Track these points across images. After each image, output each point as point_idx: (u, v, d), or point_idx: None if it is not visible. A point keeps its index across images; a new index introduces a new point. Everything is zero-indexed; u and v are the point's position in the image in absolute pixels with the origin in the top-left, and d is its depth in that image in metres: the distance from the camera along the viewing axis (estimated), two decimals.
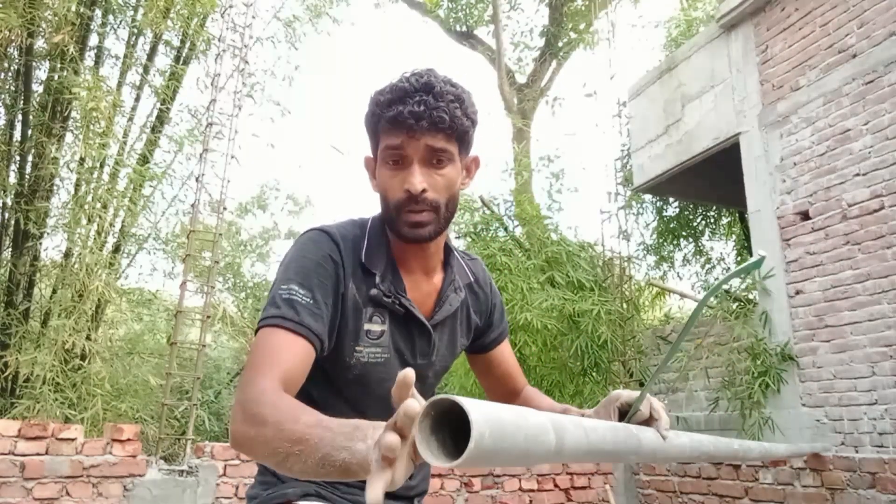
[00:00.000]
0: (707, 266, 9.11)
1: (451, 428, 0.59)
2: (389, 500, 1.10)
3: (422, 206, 1.06)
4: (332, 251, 1.08)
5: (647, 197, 8.44)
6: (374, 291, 1.10)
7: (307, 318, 1.00)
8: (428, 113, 1.01)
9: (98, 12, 6.16)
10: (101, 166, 5.83)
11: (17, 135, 5.86)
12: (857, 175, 4.58)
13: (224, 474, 3.80)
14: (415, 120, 1.01)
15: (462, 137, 1.07)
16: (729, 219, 8.78)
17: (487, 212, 7.37)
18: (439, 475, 4.26)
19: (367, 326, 1.10)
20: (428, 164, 1.06)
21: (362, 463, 0.70)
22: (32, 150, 5.69)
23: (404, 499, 1.17)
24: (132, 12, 6.38)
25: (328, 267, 1.06)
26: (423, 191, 1.04)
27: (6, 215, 5.76)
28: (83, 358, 5.00)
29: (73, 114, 5.86)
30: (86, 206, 5.57)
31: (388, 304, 1.12)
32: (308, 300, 1.01)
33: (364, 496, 1.04)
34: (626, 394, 1.07)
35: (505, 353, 1.38)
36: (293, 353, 0.97)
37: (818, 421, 4.65)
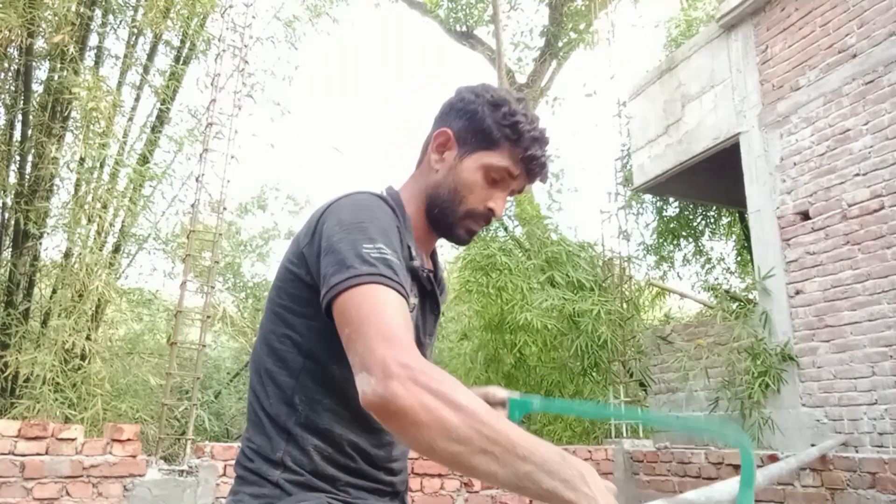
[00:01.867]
0: (707, 266, 9.11)
1: None
2: (383, 499, 1.06)
3: (485, 224, 1.14)
4: (394, 217, 1.03)
5: (647, 197, 8.44)
6: (416, 262, 1.06)
7: (404, 281, 0.92)
8: (546, 170, 1.15)
9: (98, 12, 6.16)
10: (101, 166, 5.83)
11: (17, 135, 5.86)
12: (857, 175, 4.58)
13: (224, 474, 3.80)
14: (539, 170, 1.13)
15: None
16: (729, 219, 8.78)
17: None
18: (439, 475, 4.26)
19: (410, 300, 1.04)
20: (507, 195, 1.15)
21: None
22: (32, 150, 5.69)
23: (396, 494, 1.11)
24: (132, 12, 6.38)
25: (397, 232, 1.00)
26: (499, 217, 1.14)
27: (6, 215, 5.76)
28: (83, 358, 5.00)
29: (73, 114, 5.87)
30: (86, 206, 5.57)
31: (423, 279, 1.09)
32: (399, 261, 0.94)
33: None
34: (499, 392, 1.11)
35: None
36: (409, 319, 0.88)
37: (818, 421, 4.65)
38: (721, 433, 1.17)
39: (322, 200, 1.11)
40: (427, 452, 0.76)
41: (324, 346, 1.00)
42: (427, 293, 1.12)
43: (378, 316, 0.84)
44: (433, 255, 1.21)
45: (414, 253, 1.06)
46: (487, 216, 1.12)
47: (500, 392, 1.10)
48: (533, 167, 1.11)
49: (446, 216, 1.11)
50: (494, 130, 1.09)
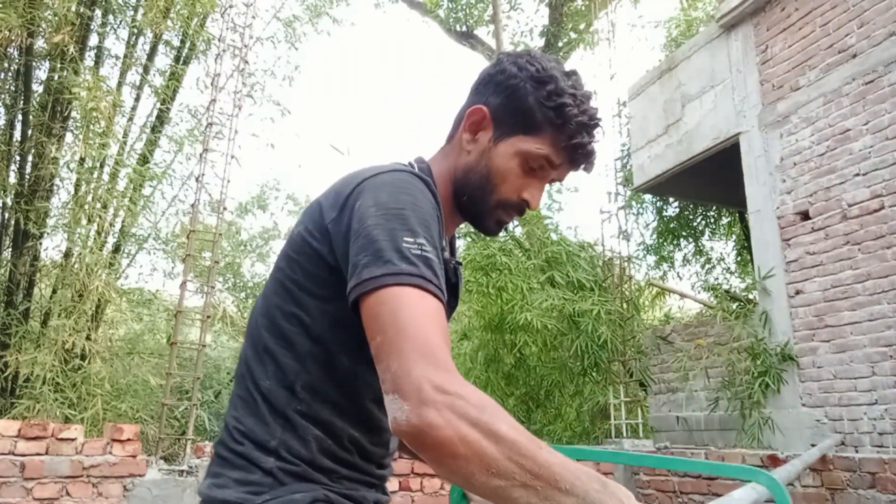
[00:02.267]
0: (707, 266, 9.12)
1: None
2: (371, 490, 1.02)
3: (518, 215, 1.03)
4: (435, 205, 0.91)
5: (647, 197, 8.45)
6: (445, 254, 0.94)
7: (442, 283, 0.83)
8: (593, 158, 1.01)
9: (98, 12, 6.16)
10: (101, 166, 5.84)
11: (17, 135, 5.86)
12: (857, 175, 4.58)
13: None
14: (585, 159, 0.99)
15: None
16: (729, 219, 8.78)
17: None
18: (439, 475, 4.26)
19: None
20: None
21: None
22: (32, 150, 5.69)
23: (381, 486, 1.06)
24: (132, 12, 6.38)
25: (437, 223, 0.89)
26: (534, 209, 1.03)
27: (6, 215, 5.76)
28: (83, 358, 5.00)
29: (73, 114, 5.87)
30: (86, 206, 5.57)
31: (450, 271, 1.00)
32: (438, 261, 0.84)
33: (369, 496, 0.99)
34: None
35: None
36: (447, 330, 0.80)
37: (818, 421, 4.65)
38: (751, 475, 1.15)
39: None
40: (463, 484, 0.72)
41: (336, 334, 0.92)
42: (451, 286, 1.01)
43: (416, 328, 0.76)
44: (452, 240, 1.11)
45: (445, 243, 0.96)
46: (521, 207, 1.01)
47: None
48: (577, 156, 0.98)
49: (476, 205, 1.01)
50: (537, 112, 0.96)
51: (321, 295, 0.92)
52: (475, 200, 1.00)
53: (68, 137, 5.96)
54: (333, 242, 0.89)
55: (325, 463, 0.93)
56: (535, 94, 0.96)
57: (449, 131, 1.06)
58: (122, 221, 6.14)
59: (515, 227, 7.64)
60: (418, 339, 0.75)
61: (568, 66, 1.03)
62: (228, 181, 4.94)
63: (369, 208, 0.85)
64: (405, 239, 0.82)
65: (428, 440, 0.70)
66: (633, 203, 8.59)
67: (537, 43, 13.18)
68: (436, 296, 0.80)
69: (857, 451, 4.27)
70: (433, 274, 0.81)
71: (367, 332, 0.80)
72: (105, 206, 5.73)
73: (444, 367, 0.73)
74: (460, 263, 1.07)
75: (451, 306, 1.04)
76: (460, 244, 7.49)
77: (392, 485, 4.04)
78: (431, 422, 0.69)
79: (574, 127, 0.96)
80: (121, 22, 6.44)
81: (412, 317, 0.76)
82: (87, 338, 5.12)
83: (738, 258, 8.94)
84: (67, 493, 3.36)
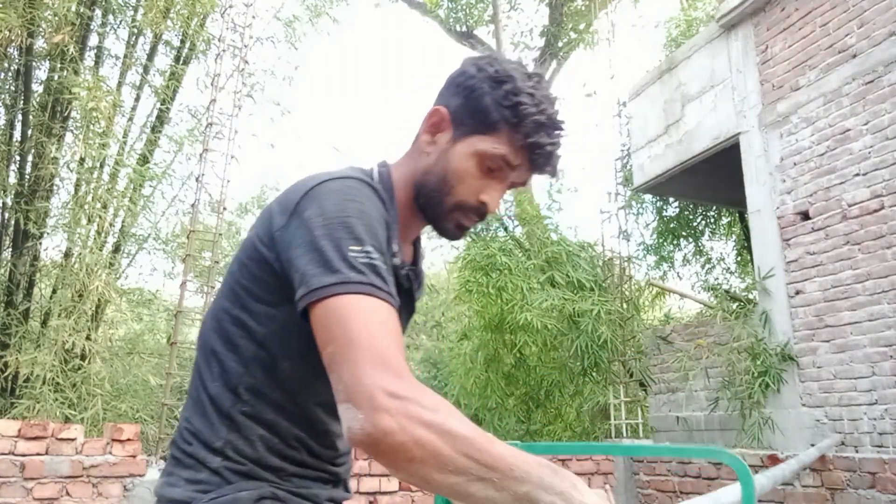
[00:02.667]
0: (707, 266, 9.11)
1: None
2: (326, 486, 1.02)
3: (478, 218, 1.02)
4: (383, 210, 0.91)
5: (647, 197, 8.44)
6: (396, 260, 0.97)
7: (392, 288, 0.84)
8: (554, 161, 0.99)
9: (98, 12, 6.17)
10: (101, 166, 5.84)
11: (17, 135, 5.86)
12: (857, 175, 4.58)
13: None
14: (544, 160, 0.98)
15: None
16: (729, 219, 8.78)
17: None
18: None
19: None
20: (506, 187, 1.02)
21: None
22: (32, 150, 5.70)
23: (339, 482, 1.06)
24: (132, 12, 6.38)
25: (384, 229, 0.90)
26: (493, 212, 1.01)
27: (6, 215, 5.77)
28: (83, 358, 5.00)
29: (73, 114, 5.87)
30: (86, 206, 5.57)
31: (402, 277, 1.00)
32: (385, 267, 0.84)
33: (321, 494, 1.00)
34: None
35: None
36: (399, 334, 0.81)
37: (818, 421, 4.65)
38: (717, 455, 1.19)
39: None
40: (421, 485, 0.74)
41: (281, 340, 0.93)
42: (403, 291, 1.01)
43: (367, 336, 0.76)
44: (416, 242, 1.11)
45: (396, 248, 0.96)
46: (480, 210, 0.99)
47: None
48: (536, 157, 0.96)
49: (433, 207, 1.00)
50: (493, 111, 0.95)
51: (267, 300, 0.93)
52: (432, 202, 0.99)
53: (68, 137, 5.97)
54: (280, 250, 0.89)
55: (273, 461, 0.94)
56: (492, 94, 0.95)
57: (415, 135, 1.05)
58: (122, 221, 6.14)
59: (515, 227, 7.64)
60: (369, 347, 0.75)
61: (531, 69, 1.01)
62: (228, 181, 4.94)
63: (316, 217, 0.85)
64: (351, 248, 0.82)
65: (383, 447, 0.71)
66: (633, 203, 8.59)
67: (537, 43, 13.19)
68: (386, 301, 0.81)
69: (857, 451, 4.27)
70: (382, 280, 0.82)
71: (318, 341, 0.80)
72: (105, 206, 5.73)
73: (397, 373, 0.74)
74: (414, 268, 1.06)
75: (407, 312, 1.05)
76: (461, 244, 7.49)
77: (392, 484, 4.04)
78: (385, 428, 0.70)
79: (531, 126, 0.95)
80: (121, 22, 6.44)
81: (362, 325, 0.77)
82: (87, 338, 5.12)
83: (738, 258, 8.94)
84: (67, 493, 3.36)
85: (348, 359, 0.75)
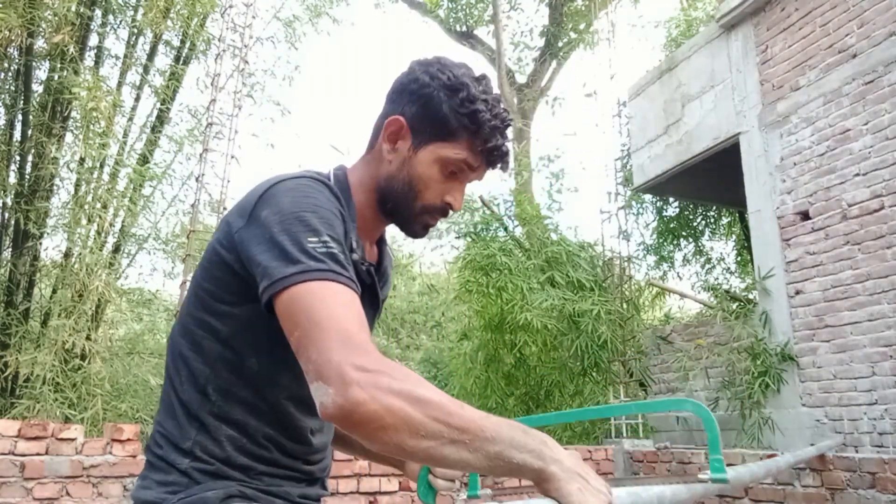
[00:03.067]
0: (707, 266, 9.11)
1: None
2: (300, 485, 1.04)
3: (442, 218, 1.07)
4: (337, 204, 0.96)
5: (647, 197, 8.44)
6: (356, 255, 1.00)
7: (352, 274, 0.87)
8: (507, 158, 1.06)
9: (98, 12, 6.17)
10: (101, 166, 5.84)
11: (17, 135, 5.86)
12: (857, 175, 4.58)
13: None
14: (500, 159, 1.04)
15: None
16: (729, 219, 8.78)
17: (487, 212, 7.37)
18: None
19: None
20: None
21: (544, 472, 0.77)
22: (32, 150, 5.69)
23: (314, 480, 1.07)
24: (132, 12, 6.38)
25: (341, 222, 0.94)
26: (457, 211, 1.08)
27: (6, 215, 5.76)
28: (83, 358, 5.00)
29: (73, 114, 5.87)
30: (86, 206, 5.57)
31: (362, 272, 1.04)
32: (344, 257, 0.88)
33: (292, 492, 1.02)
34: None
35: None
36: (363, 315, 0.84)
37: (818, 421, 4.65)
38: (680, 405, 1.25)
39: None
40: (397, 453, 0.75)
41: (244, 338, 0.96)
42: (366, 287, 1.05)
43: (330, 318, 0.79)
44: (381, 243, 1.15)
45: (355, 244, 1.00)
46: (445, 210, 1.05)
47: None
48: (493, 157, 1.03)
49: (402, 211, 1.05)
50: (452, 119, 1.00)
51: (229, 300, 0.96)
52: (400, 207, 1.04)
53: (68, 137, 5.97)
54: (240, 250, 0.92)
55: (241, 460, 0.96)
56: (448, 102, 1.00)
57: (369, 140, 1.09)
58: (122, 221, 6.13)
59: (515, 227, 7.64)
60: (334, 327, 0.78)
61: (477, 71, 1.07)
62: (228, 181, 4.95)
63: (273, 215, 0.89)
64: (309, 239, 0.86)
65: (356, 417, 0.73)
66: (633, 203, 8.59)
67: (537, 43, 13.18)
68: (346, 285, 0.84)
69: (857, 451, 4.27)
70: (341, 267, 0.85)
71: (284, 330, 0.83)
72: (105, 206, 5.72)
73: (363, 349, 0.77)
74: (377, 267, 1.11)
75: (372, 309, 1.09)
76: (461, 244, 7.49)
77: (392, 485, 4.04)
78: (356, 399, 0.73)
79: (488, 131, 1.00)
80: (121, 22, 6.44)
81: (325, 307, 0.80)
82: (87, 338, 5.11)
83: (738, 258, 8.94)
84: (67, 493, 3.36)
85: (315, 340, 0.78)
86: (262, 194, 0.94)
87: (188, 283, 5.04)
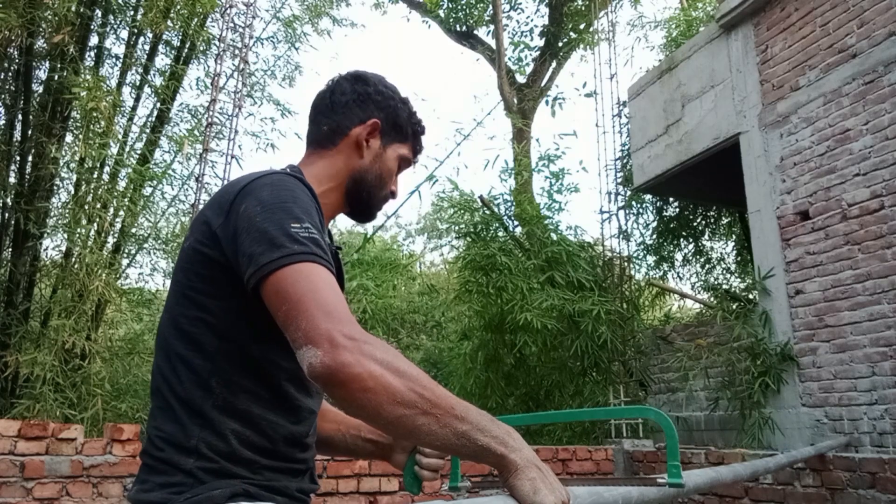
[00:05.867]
0: (707, 266, 9.11)
1: None
2: (296, 478, 1.07)
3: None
4: (312, 197, 1.04)
5: (647, 197, 8.44)
6: (326, 241, 1.04)
7: (330, 259, 0.94)
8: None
9: (98, 12, 6.16)
10: (101, 166, 5.83)
11: (17, 135, 5.86)
12: (857, 175, 4.58)
13: None
14: (418, 156, 1.32)
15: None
16: (729, 219, 8.78)
17: (487, 212, 7.37)
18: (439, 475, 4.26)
19: None
20: None
21: (504, 458, 0.84)
22: (32, 150, 5.69)
23: (307, 471, 1.11)
24: (132, 12, 6.38)
25: (317, 213, 1.02)
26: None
27: (6, 215, 5.76)
28: (83, 358, 5.00)
29: (73, 114, 5.87)
30: (86, 206, 5.57)
31: (333, 257, 1.11)
32: (324, 243, 0.95)
33: (290, 486, 1.05)
34: None
35: None
36: (342, 295, 0.91)
37: (818, 421, 4.65)
38: (641, 413, 1.33)
39: None
40: (373, 417, 0.82)
41: (241, 327, 1.00)
42: (337, 270, 1.12)
43: (316, 292, 0.86)
44: (329, 234, 1.28)
45: (326, 234, 1.11)
46: (393, 196, 1.27)
47: None
48: (417, 157, 1.30)
49: (372, 198, 1.22)
50: (406, 126, 1.25)
51: (220, 294, 1.00)
52: (372, 195, 1.22)
53: (68, 137, 5.96)
54: (223, 245, 0.98)
55: (245, 454, 0.99)
56: (404, 112, 1.25)
57: (317, 138, 1.22)
58: (122, 221, 6.13)
59: (515, 227, 7.63)
60: (320, 300, 0.86)
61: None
62: (228, 181, 4.94)
63: (255, 207, 0.96)
64: (292, 225, 0.93)
65: (340, 376, 0.80)
66: (633, 203, 8.58)
67: (537, 43, 13.18)
68: (327, 268, 0.91)
69: (857, 451, 4.27)
70: (322, 251, 0.92)
71: (271, 308, 0.89)
72: (105, 206, 5.72)
73: (348, 321, 0.84)
74: (340, 248, 1.26)
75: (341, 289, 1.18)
76: (461, 244, 7.49)
77: (392, 484, 4.04)
78: (343, 360, 0.80)
79: (419, 136, 1.28)
80: (121, 22, 6.44)
81: (311, 283, 0.88)
82: (87, 338, 5.11)
83: (738, 258, 8.94)
84: (67, 493, 3.36)
85: (303, 310, 0.85)
86: (239, 190, 1.00)
87: None
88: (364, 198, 1.22)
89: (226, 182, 4.98)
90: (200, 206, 4.99)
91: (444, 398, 0.83)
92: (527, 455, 0.85)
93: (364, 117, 1.21)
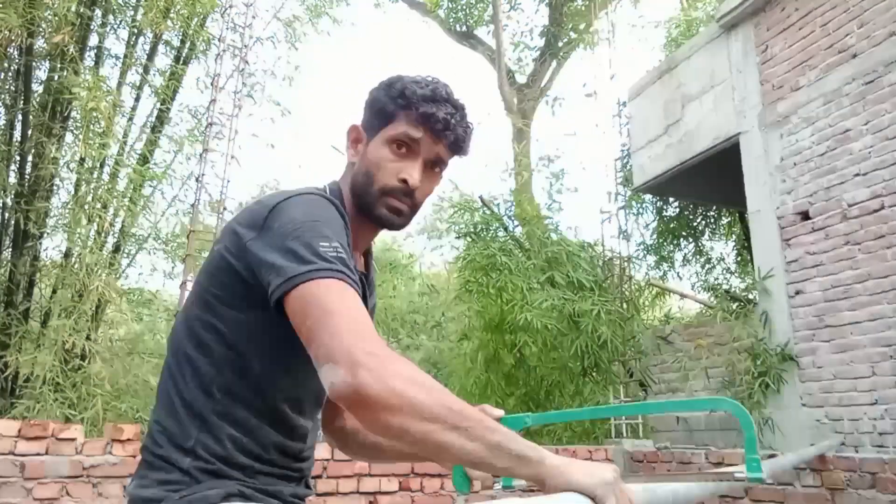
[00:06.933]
0: (707, 266, 9.11)
1: None
2: (290, 484, 1.08)
3: (408, 199, 1.10)
4: (341, 219, 1.02)
5: (647, 197, 8.44)
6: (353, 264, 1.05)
7: (357, 279, 0.94)
8: (454, 127, 1.09)
9: (98, 12, 6.16)
10: (101, 166, 5.84)
11: (17, 135, 5.86)
12: (857, 175, 4.58)
13: None
14: (443, 127, 1.08)
15: (456, 158, 1.16)
16: (729, 219, 8.77)
17: (487, 212, 7.37)
18: (439, 475, 4.26)
19: None
20: (427, 168, 1.11)
21: (542, 464, 0.80)
22: (32, 150, 5.69)
23: (302, 479, 1.12)
24: (132, 12, 6.38)
25: (345, 234, 1.00)
26: (416, 187, 1.10)
27: (6, 215, 5.76)
28: (83, 358, 5.00)
29: (73, 114, 5.87)
30: (86, 206, 5.57)
31: (359, 280, 1.09)
32: (353, 264, 0.94)
33: (285, 491, 1.06)
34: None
35: None
36: (366, 312, 0.90)
37: (818, 421, 4.65)
38: (717, 404, 1.28)
39: None
40: (400, 436, 0.78)
41: (249, 342, 1.01)
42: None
43: (341, 308, 0.85)
44: (367, 254, 1.22)
45: (353, 259, 1.05)
46: (405, 189, 1.09)
47: (494, 411, 1.09)
48: (433, 125, 1.07)
49: (365, 199, 1.11)
50: (388, 104, 1.10)
51: (237, 306, 1.01)
52: (365, 196, 1.10)
53: (68, 137, 5.97)
54: (251, 259, 0.97)
55: (241, 459, 1.01)
56: (385, 93, 1.11)
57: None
58: (122, 221, 6.13)
59: (515, 227, 7.64)
60: (345, 316, 0.84)
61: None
62: (228, 181, 4.95)
63: (286, 224, 0.95)
64: (321, 244, 0.92)
65: (364, 398, 0.77)
66: (633, 203, 8.58)
67: (537, 43, 13.18)
68: (353, 288, 0.90)
69: (857, 451, 4.27)
70: (349, 270, 0.91)
71: (294, 321, 0.88)
72: (105, 206, 5.72)
73: (371, 337, 0.83)
74: (366, 275, 1.18)
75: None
76: (461, 244, 7.49)
77: (392, 484, 4.04)
78: (365, 380, 0.77)
79: (419, 100, 1.07)
80: (121, 22, 6.44)
81: (337, 300, 0.86)
82: (87, 338, 5.11)
83: (738, 258, 8.94)
84: (67, 494, 3.35)
85: (327, 326, 0.83)
86: (272, 207, 0.99)
87: (188, 284, 5.05)
88: (361, 203, 1.14)
89: (226, 181, 4.98)
90: (200, 206, 5.01)
91: (472, 411, 0.81)
92: (562, 458, 0.83)
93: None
